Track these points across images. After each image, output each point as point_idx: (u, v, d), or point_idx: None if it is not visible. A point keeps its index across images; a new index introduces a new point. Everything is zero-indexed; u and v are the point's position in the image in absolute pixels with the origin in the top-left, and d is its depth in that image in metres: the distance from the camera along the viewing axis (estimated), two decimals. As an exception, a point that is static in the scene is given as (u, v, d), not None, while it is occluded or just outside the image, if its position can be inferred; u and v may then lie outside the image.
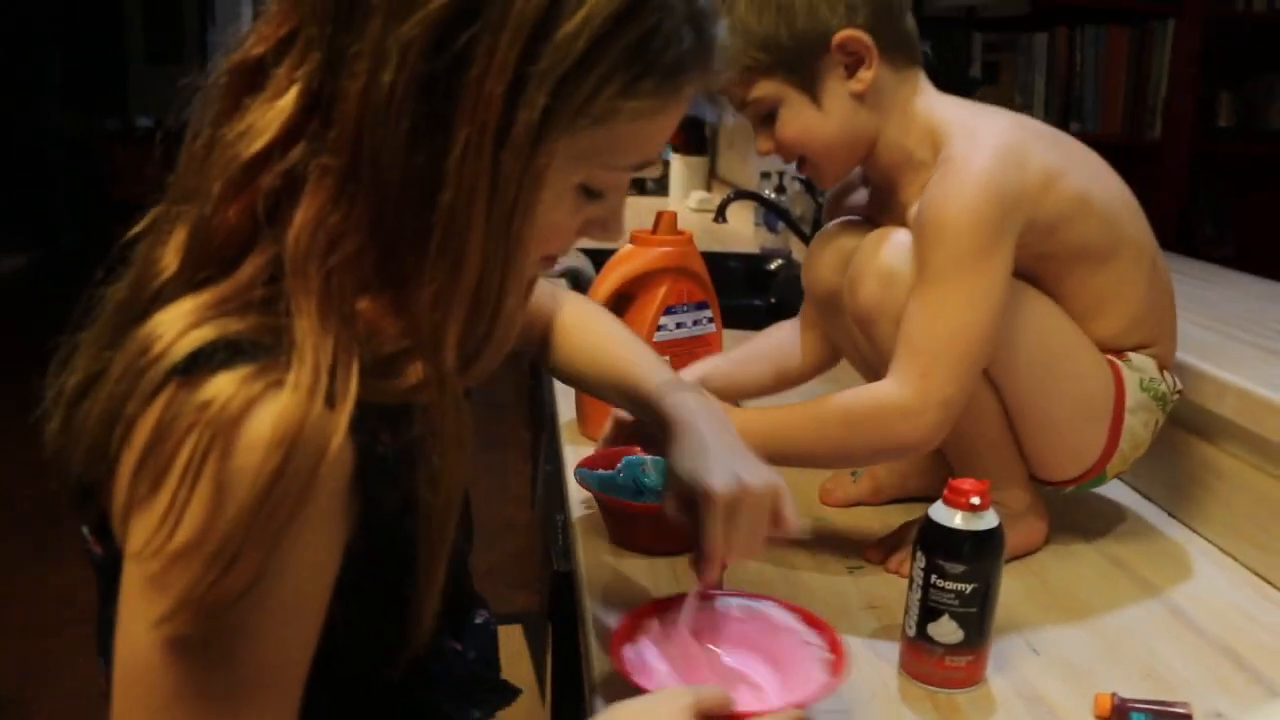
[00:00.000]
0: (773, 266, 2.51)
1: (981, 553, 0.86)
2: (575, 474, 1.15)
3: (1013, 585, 1.07)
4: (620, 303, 1.37)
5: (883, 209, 1.13)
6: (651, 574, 1.05)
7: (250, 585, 0.57)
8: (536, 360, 1.08)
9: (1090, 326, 1.08)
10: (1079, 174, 1.04)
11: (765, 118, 1.09)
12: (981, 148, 0.99)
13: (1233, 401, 1.15)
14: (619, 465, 1.15)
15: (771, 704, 0.78)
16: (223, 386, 0.57)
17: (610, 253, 1.41)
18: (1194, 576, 1.13)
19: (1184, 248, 3.16)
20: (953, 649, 0.87)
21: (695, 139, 3.66)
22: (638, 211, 1.59)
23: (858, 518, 1.21)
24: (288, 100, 0.62)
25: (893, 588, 1.02)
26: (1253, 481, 1.15)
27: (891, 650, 0.93)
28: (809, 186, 2.47)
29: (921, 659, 0.88)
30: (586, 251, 2.31)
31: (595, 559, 1.09)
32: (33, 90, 6.58)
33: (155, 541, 0.57)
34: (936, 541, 0.86)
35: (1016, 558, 1.12)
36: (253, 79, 0.64)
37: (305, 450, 0.57)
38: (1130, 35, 3.07)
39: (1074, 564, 1.14)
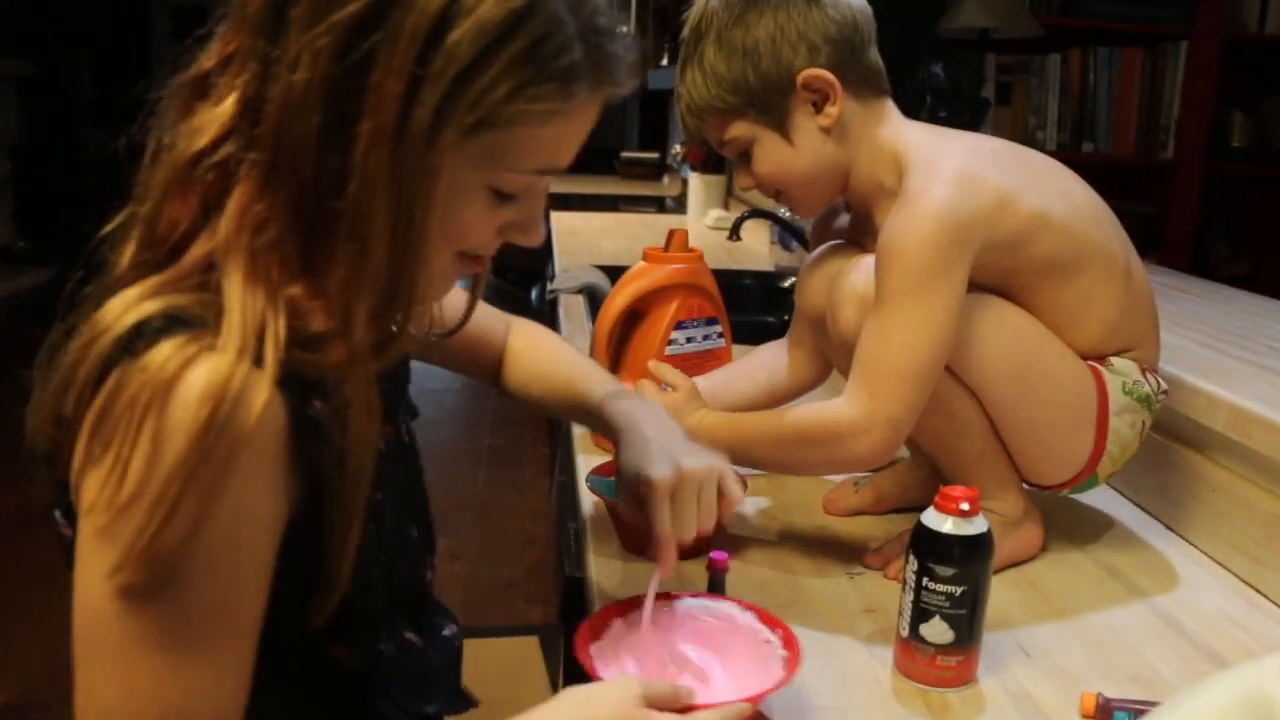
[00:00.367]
0: (786, 284, 2.55)
1: (971, 556, 0.90)
2: (587, 480, 1.19)
3: (1007, 591, 1.11)
4: (632, 318, 1.42)
5: (863, 232, 1.18)
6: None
7: (191, 532, 0.63)
8: (492, 384, 1.16)
9: (1068, 336, 1.12)
10: (1035, 193, 1.07)
11: (743, 155, 1.14)
12: (936, 178, 1.03)
13: (1224, 415, 1.19)
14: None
15: (724, 698, 0.80)
16: (162, 351, 0.63)
17: (625, 270, 1.47)
18: (1185, 585, 1.16)
19: (1198, 267, 3.19)
20: (944, 649, 0.91)
21: (713, 158, 3.71)
22: (654, 229, 1.64)
23: (859, 526, 1.25)
24: (227, 105, 0.70)
25: (889, 593, 1.06)
26: (1244, 493, 1.18)
27: (886, 651, 0.97)
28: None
29: (914, 658, 0.92)
30: (602, 268, 2.36)
31: (606, 564, 1.13)
32: (64, 105, 6.71)
33: (103, 496, 0.64)
34: (928, 545, 0.90)
35: (1012, 565, 1.16)
36: (202, 89, 0.72)
37: (234, 403, 0.63)
38: (1143, 56, 3.11)
39: (1068, 571, 1.17)
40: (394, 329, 0.74)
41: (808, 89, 1.09)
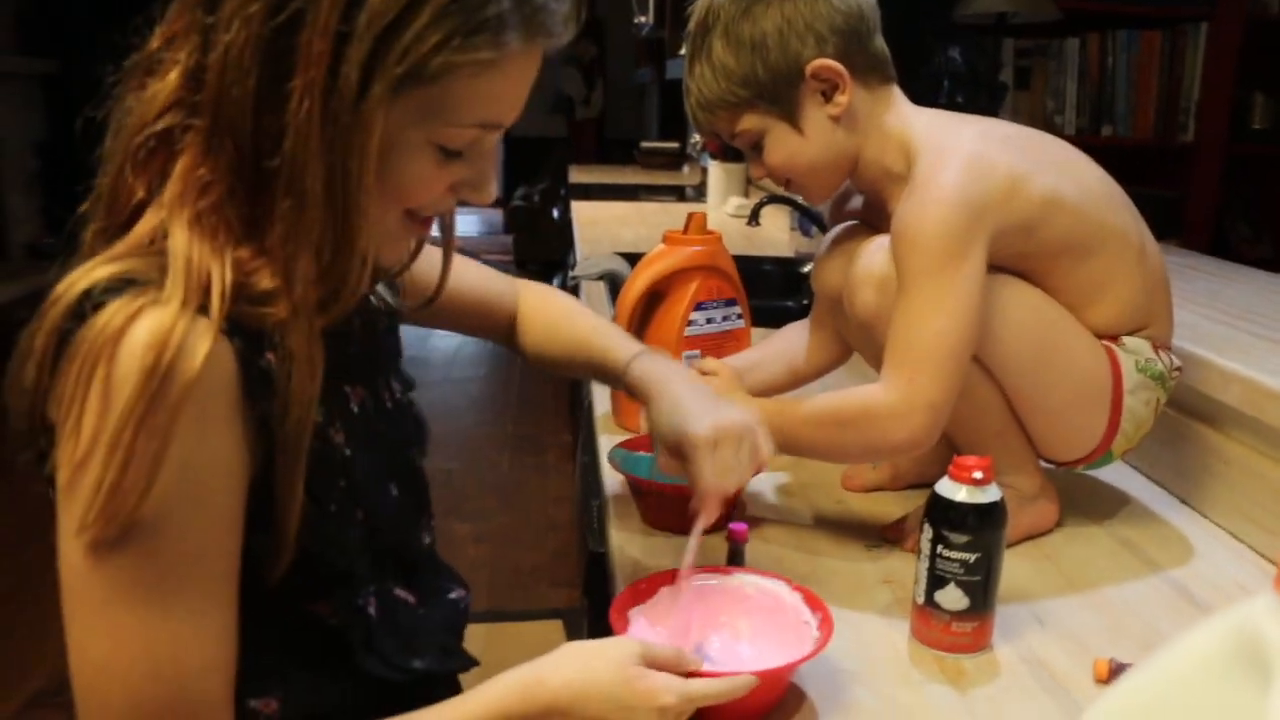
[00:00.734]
0: (805, 269, 2.57)
1: (984, 524, 0.92)
2: (610, 455, 1.22)
3: (1023, 564, 1.13)
4: (652, 300, 1.45)
5: (876, 215, 1.20)
6: (680, 552, 1.11)
7: (149, 480, 0.66)
8: (509, 346, 1.18)
9: (1083, 316, 1.13)
10: (1047, 175, 1.08)
11: (754, 146, 1.16)
12: (947, 162, 1.05)
13: (1237, 390, 1.20)
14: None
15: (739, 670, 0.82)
16: (111, 310, 0.66)
17: (644, 255, 1.49)
18: (1200, 557, 1.18)
19: (1219, 250, 3.18)
20: (959, 615, 0.93)
21: (732, 147, 3.72)
22: (674, 217, 1.67)
23: (877, 502, 1.28)
24: (171, 77, 0.73)
25: (907, 564, 1.08)
26: (1258, 467, 1.20)
27: (903, 620, 0.99)
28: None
29: (930, 625, 0.95)
30: (622, 255, 2.38)
31: (628, 539, 1.16)
32: (89, 103, 6.77)
33: (65, 453, 0.66)
34: (942, 514, 0.92)
35: (1028, 539, 1.18)
36: (151, 68, 0.75)
37: (179, 350, 0.66)
38: (1162, 39, 3.10)
39: (1083, 545, 1.19)
40: (338, 286, 0.75)
41: (816, 79, 1.10)
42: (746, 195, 3.68)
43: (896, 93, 1.15)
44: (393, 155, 0.73)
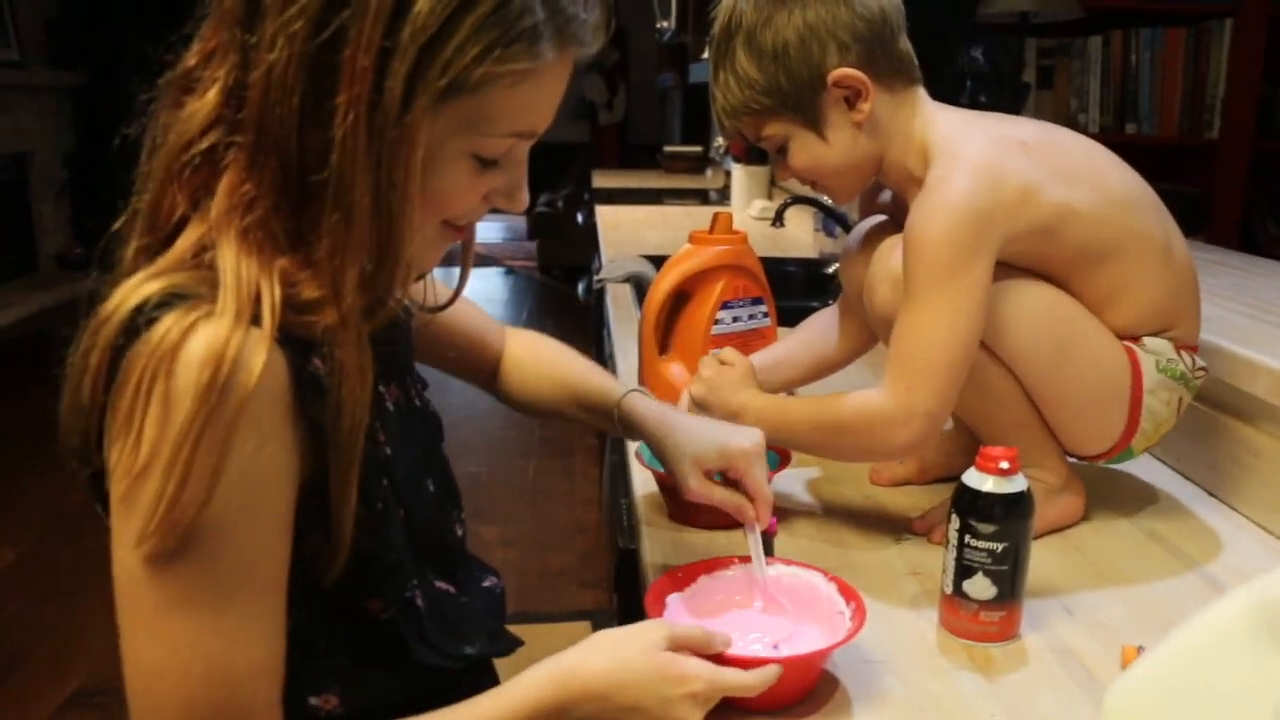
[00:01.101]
0: (830, 270, 2.58)
1: (1011, 514, 0.93)
2: (638, 450, 1.23)
3: (1051, 555, 1.13)
4: (679, 299, 1.46)
5: (902, 212, 1.21)
6: (709, 548, 1.13)
7: (208, 492, 0.67)
8: (487, 388, 1.20)
9: (1104, 317, 1.13)
10: (1061, 183, 1.08)
11: (780, 149, 1.17)
12: (957, 169, 1.05)
13: (1265, 381, 1.21)
14: None
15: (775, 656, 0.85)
16: (164, 324, 0.68)
17: (669, 257, 1.51)
18: (1230, 549, 1.18)
19: (1247, 246, 3.17)
20: (987, 604, 0.94)
21: (756, 150, 3.73)
22: (698, 220, 1.68)
23: (904, 496, 1.29)
24: (211, 95, 0.75)
25: (934, 557, 1.08)
26: (1286, 458, 1.20)
27: (931, 610, 1.00)
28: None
29: (958, 614, 0.96)
30: (647, 258, 2.40)
31: (657, 536, 1.17)
32: (118, 114, 6.85)
33: (122, 466, 0.68)
34: (969, 504, 0.93)
35: (1055, 530, 1.19)
36: (187, 85, 0.77)
37: (234, 363, 0.67)
38: (1186, 36, 3.09)
39: (1112, 537, 1.20)
40: (382, 294, 0.77)
41: (839, 87, 1.10)
42: (770, 198, 3.69)
43: (921, 94, 1.15)
44: (433, 166, 0.75)
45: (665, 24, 6.30)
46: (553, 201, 8.00)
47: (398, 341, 0.92)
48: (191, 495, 0.66)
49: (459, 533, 0.96)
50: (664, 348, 1.47)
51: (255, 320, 0.70)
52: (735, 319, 1.47)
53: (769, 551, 1.03)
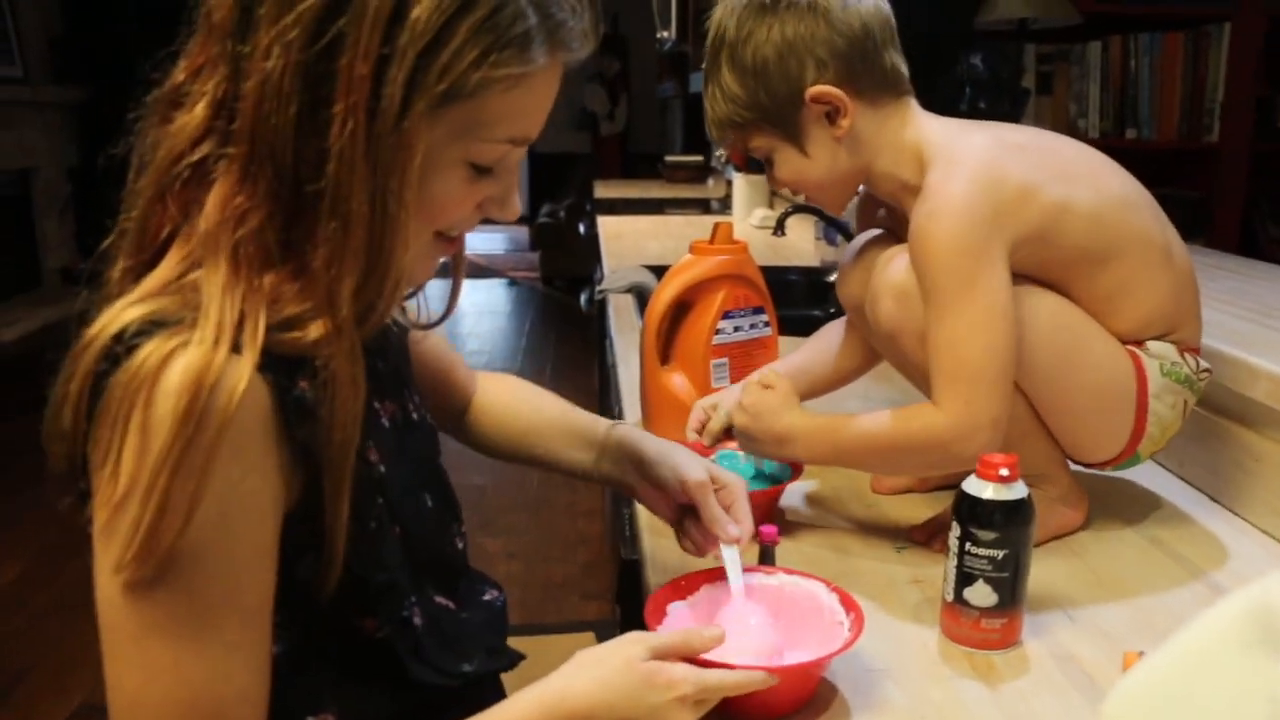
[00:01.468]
0: (831, 279, 2.58)
1: (1011, 521, 0.93)
2: None
3: (1053, 563, 1.13)
4: (680, 309, 1.46)
5: (899, 223, 1.21)
6: (713, 559, 1.13)
7: (186, 520, 0.66)
8: (452, 430, 1.19)
9: (1106, 322, 1.13)
10: (1060, 185, 1.08)
11: (768, 159, 1.18)
12: (957, 172, 1.05)
13: (1265, 386, 1.21)
14: (713, 457, 1.25)
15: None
16: (145, 351, 0.67)
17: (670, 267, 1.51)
18: (1233, 555, 1.18)
19: (1248, 250, 3.17)
20: (988, 612, 0.94)
21: (756, 159, 3.74)
22: (699, 229, 1.68)
23: (906, 504, 1.29)
24: (200, 108, 0.74)
25: (936, 565, 1.09)
26: (1287, 462, 1.20)
27: (933, 619, 1.00)
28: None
29: (959, 622, 0.96)
30: (649, 268, 2.40)
31: (660, 546, 1.17)
32: (121, 129, 6.88)
33: (103, 495, 0.68)
34: (969, 511, 0.93)
35: (1056, 538, 1.19)
36: (176, 100, 0.76)
37: (212, 390, 0.66)
38: (1185, 40, 3.09)
39: (1114, 544, 1.19)
40: (374, 302, 0.76)
41: (818, 103, 1.10)
42: (771, 207, 3.69)
43: (910, 105, 1.14)
44: (429, 174, 0.75)
45: (666, 34, 6.32)
46: (555, 212, 8.02)
47: (391, 355, 0.92)
48: (169, 523, 0.66)
49: (459, 546, 0.96)
50: (665, 358, 1.47)
51: (237, 346, 0.69)
52: (737, 328, 1.47)
53: (770, 561, 1.03)
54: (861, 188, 1.22)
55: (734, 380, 1.45)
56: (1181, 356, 1.15)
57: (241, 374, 0.68)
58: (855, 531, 1.21)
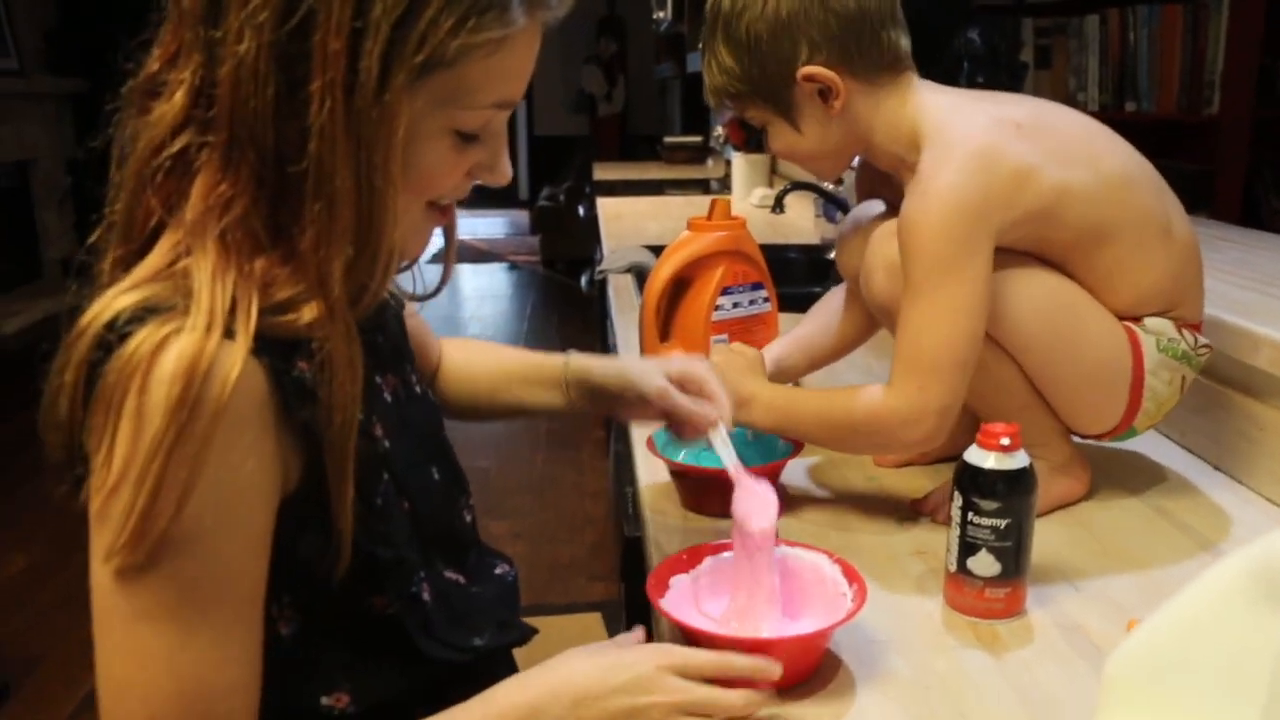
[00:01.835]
0: (831, 255, 2.57)
1: (1013, 490, 0.93)
2: (653, 436, 1.23)
3: (1057, 531, 1.13)
4: (679, 286, 1.46)
5: (897, 193, 1.20)
6: (717, 534, 1.13)
7: (178, 507, 0.66)
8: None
9: (1104, 299, 1.12)
10: (1058, 165, 1.07)
11: (764, 129, 1.18)
12: (951, 157, 1.04)
13: (1267, 354, 1.20)
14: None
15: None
16: (138, 339, 0.67)
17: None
18: (1237, 524, 1.18)
19: (1250, 221, 3.16)
20: (991, 581, 0.94)
21: (755, 138, 3.74)
22: (699, 208, 1.68)
23: (909, 477, 1.29)
24: (178, 96, 0.73)
25: (939, 537, 1.09)
26: (1291, 430, 1.20)
27: (936, 590, 1.00)
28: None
29: (963, 591, 0.96)
30: (648, 248, 2.40)
31: (665, 524, 1.17)
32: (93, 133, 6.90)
33: (97, 481, 0.67)
34: (971, 481, 0.93)
35: (1059, 508, 1.19)
36: (153, 90, 0.75)
37: (206, 377, 0.66)
38: (1184, 11, 3.07)
39: (1119, 514, 1.19)
40: (367, 281, 0.75)
41: (810, 82, 1.09)
42: (771, 185, 3.68)
43: (910, 80, 1.13)
44: (414, 145, 0.74)
45: (662, 14, 6.29)
46: (554, 195, 8.01)
47: (388, 329, 0.91)
48: (161, 509, 0.66)
49: (468, 519, 0.95)
50: (665, 335, 1.47)
51: (230, 332, 0.68)
52: (736, 304, 1.47)
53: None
54: (859, 157, 1.22)
55: (734, 357, 1.45)
56: (1179, 332, 1.15)
57: (235, 360, 0.67)
58: (857, 505, 1.21)
